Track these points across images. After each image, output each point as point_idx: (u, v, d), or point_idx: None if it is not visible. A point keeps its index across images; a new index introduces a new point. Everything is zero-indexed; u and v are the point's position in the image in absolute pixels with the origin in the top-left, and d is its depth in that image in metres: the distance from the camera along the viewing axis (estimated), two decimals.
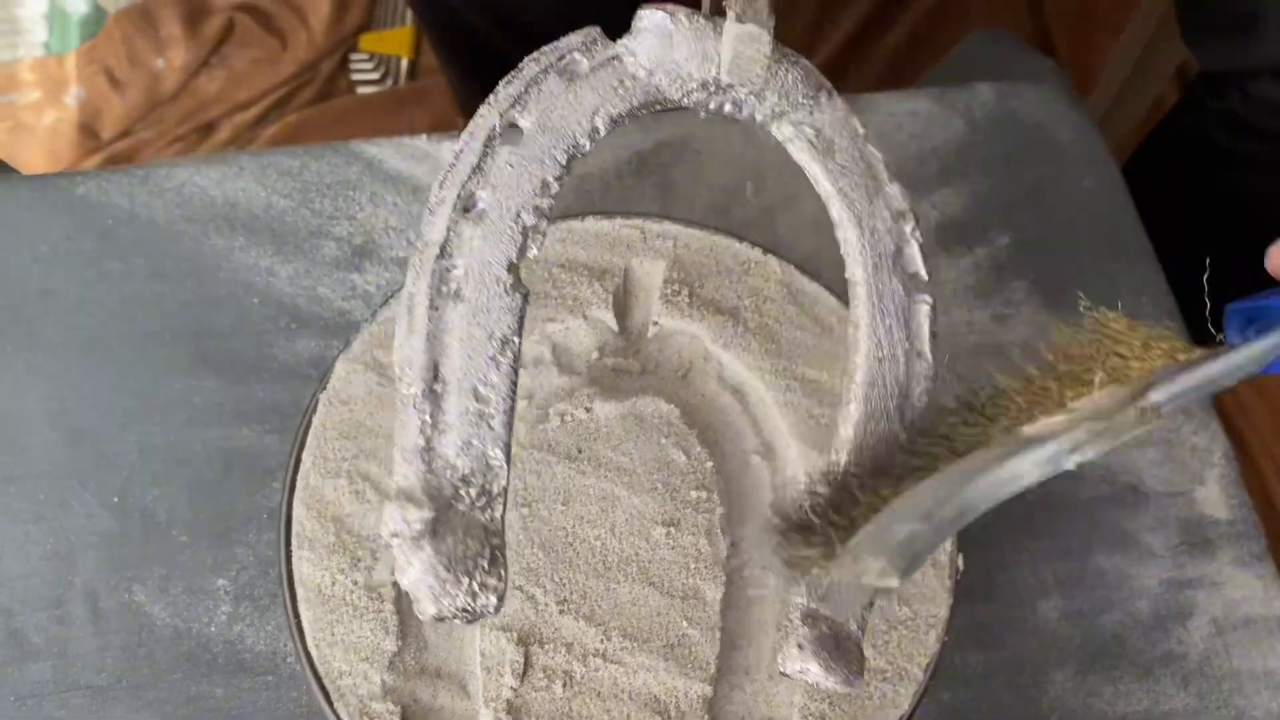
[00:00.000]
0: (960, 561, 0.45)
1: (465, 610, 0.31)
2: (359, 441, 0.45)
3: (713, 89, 0.38)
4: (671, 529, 0.44)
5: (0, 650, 0.48)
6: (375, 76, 1.22)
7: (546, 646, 0.42)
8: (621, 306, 0.49)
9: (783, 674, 0.34)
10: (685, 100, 0.38)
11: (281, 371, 0.54)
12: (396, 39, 1.22)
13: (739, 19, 0.37)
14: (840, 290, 0.51)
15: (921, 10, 1.30)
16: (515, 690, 0.41)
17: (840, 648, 0.34)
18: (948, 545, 0.45)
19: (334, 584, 0.43)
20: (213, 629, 0.49)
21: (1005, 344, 0.57)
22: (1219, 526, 0.54)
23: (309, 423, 0.46)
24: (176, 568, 0.50)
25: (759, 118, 0.39)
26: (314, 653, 0.42)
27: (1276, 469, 1.11)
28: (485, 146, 0.35)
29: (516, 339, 0.34)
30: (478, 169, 0.35)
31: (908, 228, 0.40)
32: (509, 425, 0.33)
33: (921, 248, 0.40)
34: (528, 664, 0.42)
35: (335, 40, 1.20)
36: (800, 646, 0.34)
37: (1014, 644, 0.51)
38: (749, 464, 0.47)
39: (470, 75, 0.83)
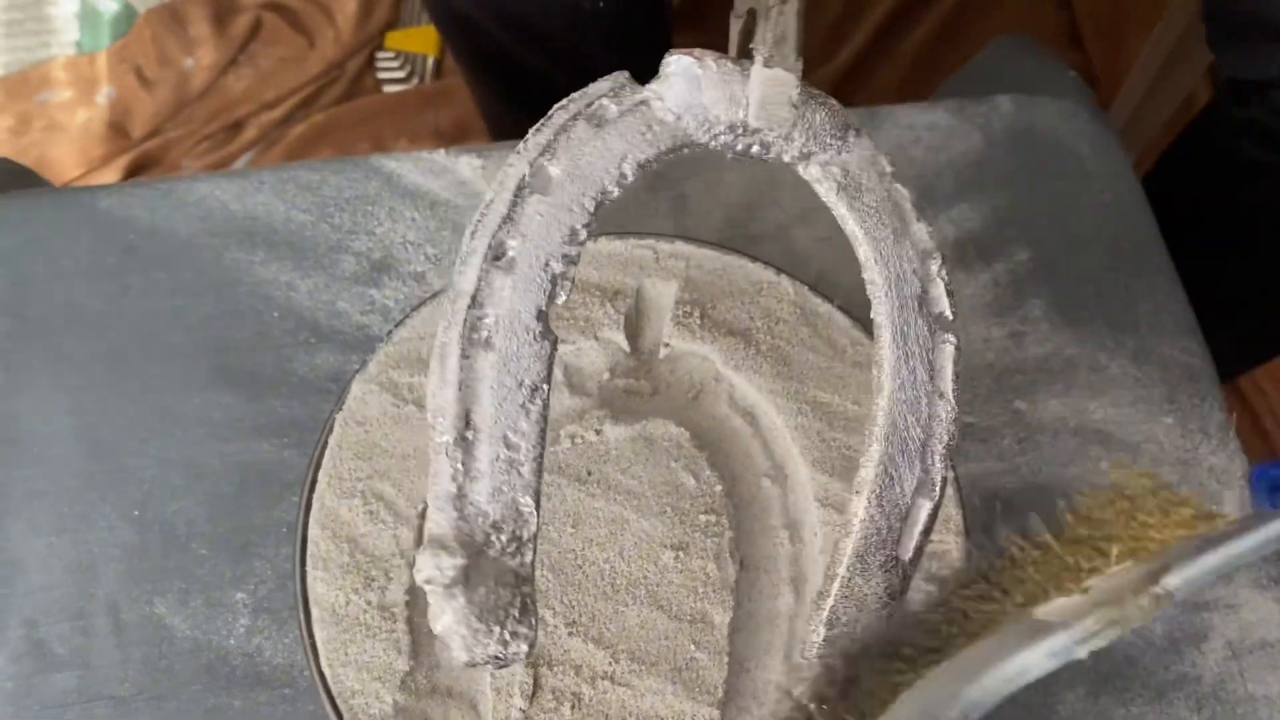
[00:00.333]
0: None
1: (497, 657, 0.31)
2: (374, 462, 0.46)
3: (740, 131, 0.38)
4: (680, 553, 0.44)
5: (26, 661, 0.49)
6: (401, 75, 1.22)
7: (555, 668, 0.43)
8: (633, 328, 0.49)
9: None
10: (713, 144, 0.38)
11: (300, 386, 0.55)
12: (423, 37, 1.23)
13: (766, 63, 0.38)
14: (854, 310, 0.51)
15: (949, 6, 1.29)
16: (524, 712, 0.42)
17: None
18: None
19: (348, 604, 0.43)
20: (231, 642, 0.50)
21: (1022, 361, 0.56)
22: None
23: (325, 443, 0.46)
24: (196, 581, 0.51)
25: (786, 159, 0.39)
26: (327, 672, 0.43)
27: None
28: (515, 196, 0.36)
29: (546, 386, 0.35)
30: (508, 219, 0.35)
31: (934, 267, 0.40)
32: (538, 472, 0.34)
33: (948, 287, 0.40)
34: (537, 685, 0.42)
35: (362, 39, 1.21)
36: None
37: None
38: (759, 487, 0.47)
39: (487, 79, 0.84)
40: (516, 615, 0.31)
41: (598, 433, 0.46)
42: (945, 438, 0.38)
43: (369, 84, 1.21)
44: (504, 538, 0.32)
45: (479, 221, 0.35)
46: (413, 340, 0.48)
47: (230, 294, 0.57)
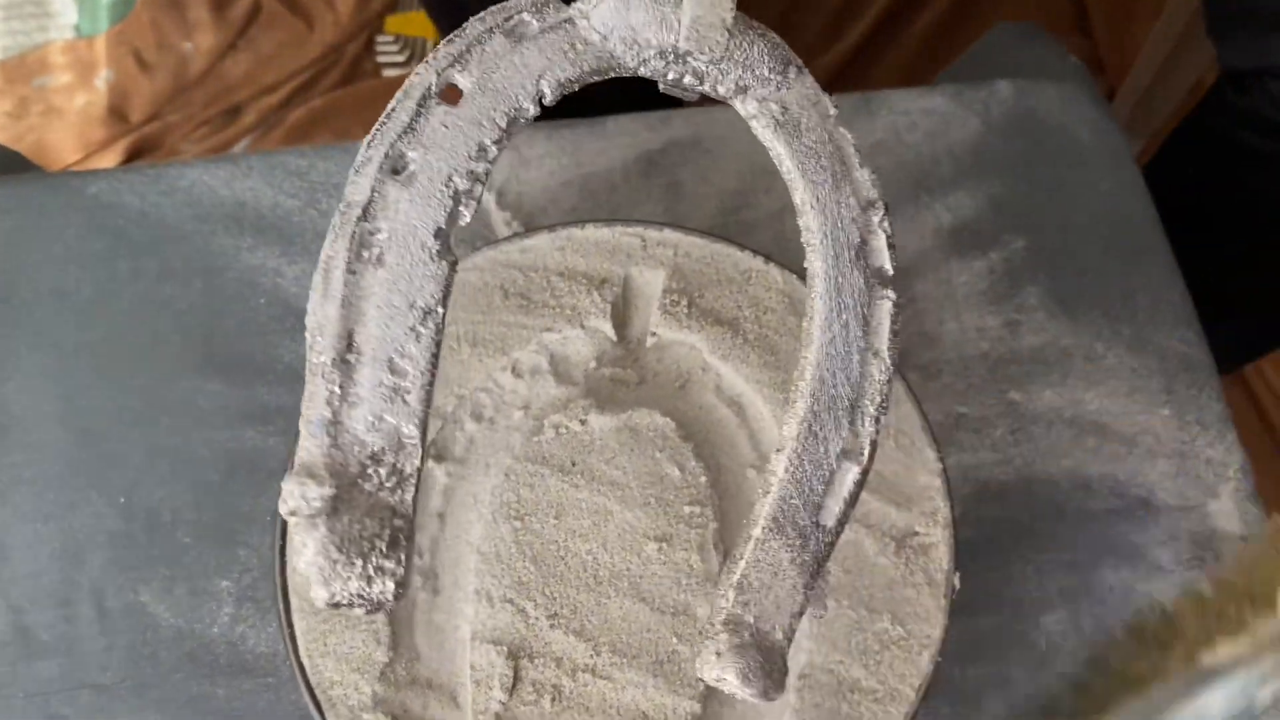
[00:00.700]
0: (956, 580, 0.44)
1: (360, 597, 0.29)
2: None
3: (670, 58, 0.36)
4: (664, 544, 0.44)
5: (10, 647, 0.49)
6: (401, 59, 1.22)
7: (536, 661, 0.42)
8: (620, 316, 0.48)
9: (699, 679, 0.33)
10: (642, 69, 0.36)
11: (286, 373, 0.54)
12: (422, 21, 1.22)
13: None
14: None
15: None
16: (504, 704, 0.42)
17: (764, 657, 0.32)
18: (944, 562, 0.45)
19: None
20: (215, 630, 0.50)
21: (1018, 350, 0.56)
22: (1231, 542, 0.53)
23: None
24: (181, 569, 0.51)
25: (721, 91, 0.37)
26: (306, 663, 0.42)
27: None
28: (419, 105, 0.34)
29: (441, 309, 0.33)
30: (410, 128, 0.33)
31: (875, 218, 0.37)
32: (426, 401, 0.32)
33: (889, 240, 0.37)
34: (517, 678, 0.42)
35: (360, 22, 1.20)
36: (718, 654, 0.32)
37: (1015, 657, 0.51)
38: (745, 477, 0.46)
39: None
40: (383, 549, 0.30)
41: (582, 422, 0.46)
42: (878, 399, 0.35)
43: (368, 68, 1.20)
44: (383, 470, 0.31)
45: (377, 130, 0.33)
46: None
47: (218, 280, 0.56)
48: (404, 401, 0.31)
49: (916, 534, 0.45)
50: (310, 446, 0.30)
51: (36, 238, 0.57)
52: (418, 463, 0.31)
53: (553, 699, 0.42)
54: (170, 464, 0.53)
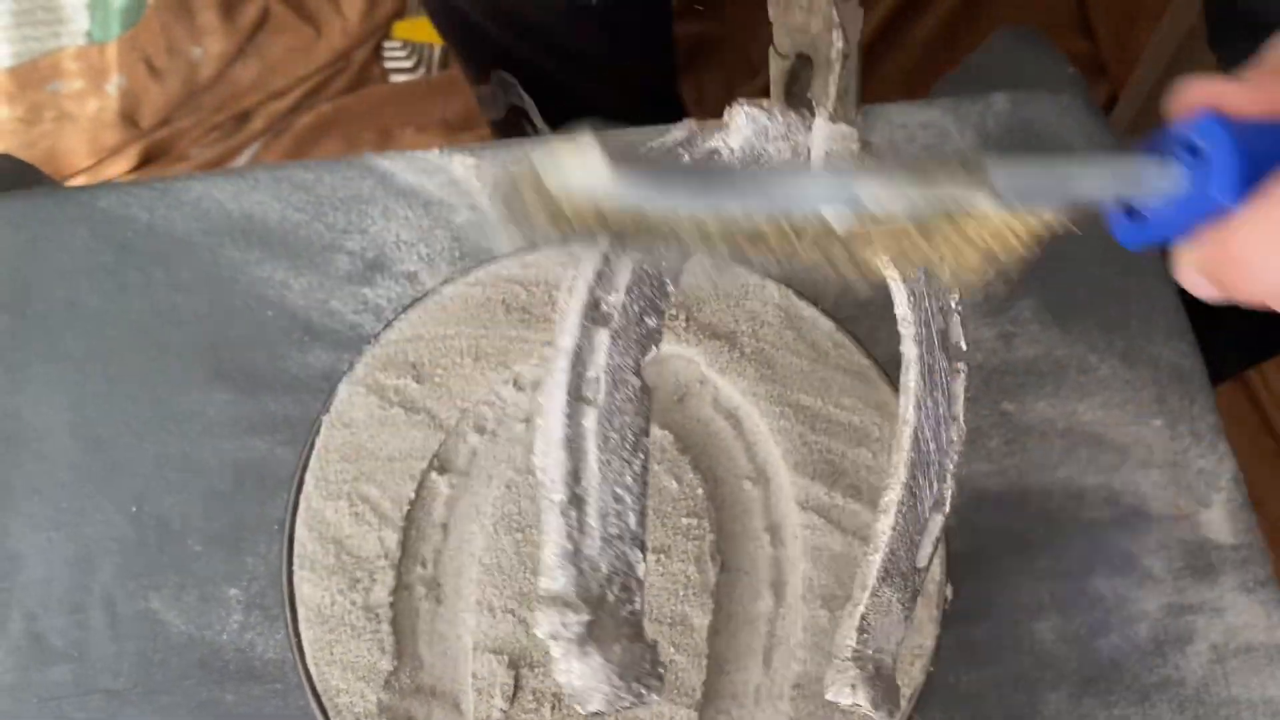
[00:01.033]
0: (949, 591, 0.45)
1: (631, 704, 0.33)
2: (360, 464, 0.46)
3: None
4: (661, 556, 0.45)
5: (24, 653, 0.50)
6: (409, 64, 1.23)
7: (537, 670, 0.43)
8: None
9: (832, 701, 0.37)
10: None
11: (293, 384, 0.55)
12: (429, 26, 1.23)
13: (831, 118, 0.39)
14: (837, 314, 0.51)
15: None
16: (505, 712, 0.43)
17: (882, 683, 0.37)
18: (936, 574, 0.45)
19: (333, 604, 0.44)
20: (224, 637, 0.51)
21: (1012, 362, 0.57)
22: (1223, 551, 0.53)
23: (312, 444, 0.47)
24: (190, 576, 0.52)
25: None
26: (313, 670, 0.43)
27: None
28: (608, 252, 0.36)
29: (646, 439, 0.36)
30: (603, 274, 0.36)
31: (953, 300, 0.42)
32: (644, 523, 0.35)
33: (961, 317, 0.42)
34: (518, 686, 0.43)
35: (369, 28, 1.21)
36: (853, 686, 0.36)
37: (1008, 664, 0.51)
38: (741, 490, 0.47)
39: (486, 75, 0.84)
40: (649, 671, 0.33)
41: None
42: (955, 457, 0.40)
43: (376, 74, 1.21)
44: (616, 588, 0.34)
45: (574, 278, 0.36)
46: (400, 342, 0.49)
47: (226, 292, 0.57)
48: (627, 526, 0.34)
49: None
50: (558, 576, 0.33)
51: (47, 250, 0.58)
52: (642, 577, 0.34)
53: (553, 707, 0.43)
54: (180, 473, 0.54)
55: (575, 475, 0.34)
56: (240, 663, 0.51)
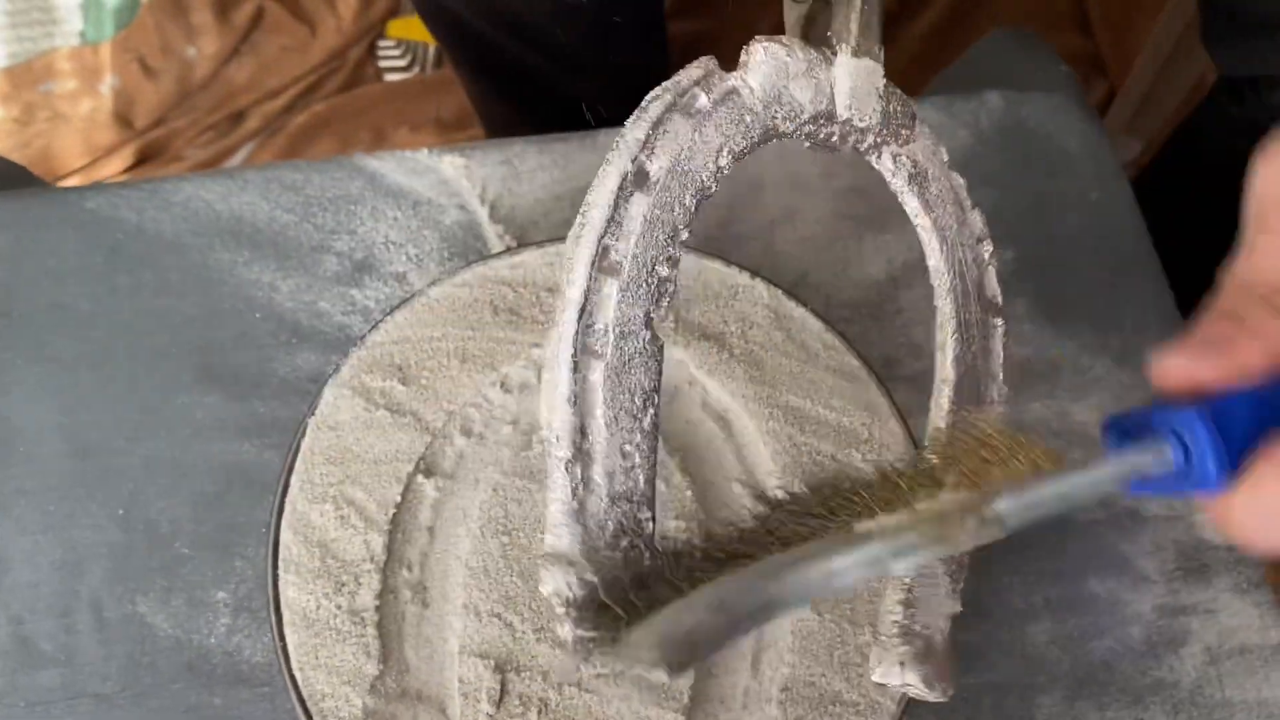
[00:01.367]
0: None
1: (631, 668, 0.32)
2: (345, 467, 0.46)
3: (823, 121, 0.37)
4: None
5: (11, 657, 0.50)
6: (403, 63, 1.22)
7: (523, 674, 0.43)
8: None
9: (879, 684, 0.36)
10: (797, 133, 0.37)
11: (282, 387, 0.55)
12: (424, 25, 1.22)
13: (855, 53, 0.37)
14: (827, 314, 0.51)
15: None
16: (491, 716, 0.42)
17: (934, 660, 0.36)
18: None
19: (318, 608, 0.44)
20: (212, 640, 0.51)
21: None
22: (1217, 552, 0.53)
23: (297, 447, 0.47)
24: (179, 579, 0.52)
25: (861, 148, 0.39)
26: (298, 675, 0.43)
27: None
28: (616, 196, 0.34)
29: (657, 395, 0.34)
30: (612, 221, 0.34)
31: (986, 253, 0.40)
32: (653, 483, 0.33)
33: (996, 271, 0.40)
34: (504, 690, 0.43)
35: (363, 27, 1.21)
36: (903, 664, 0.35)
37: (1002, 667, 0.51)
38: (731, 491, 0.47)
39: (475, 73, 0.84)
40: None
41: None
42: (995, 419, 0.39)
43: (371, 73, 1.21)
44: (624, 545, 0.32)
45: (582, 226, 0.34)
46: (386, 344, 0.48)
47: (214, 294, 0.57)
48: (635, 484, 0.33)
49: None
50: (562, 534, 0.32)
51: (35, 252, 0.58)
52: (651, 532, 0.33)
53: (539, 712, 0.43)
54: (168, 476, 0.53)
55: (582, 431, 0.32)
56: (228, 666, 0.50)
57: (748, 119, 0.35)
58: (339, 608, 0.44)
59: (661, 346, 0.34)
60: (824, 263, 0.58)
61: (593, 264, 0.33)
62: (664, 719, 0.43)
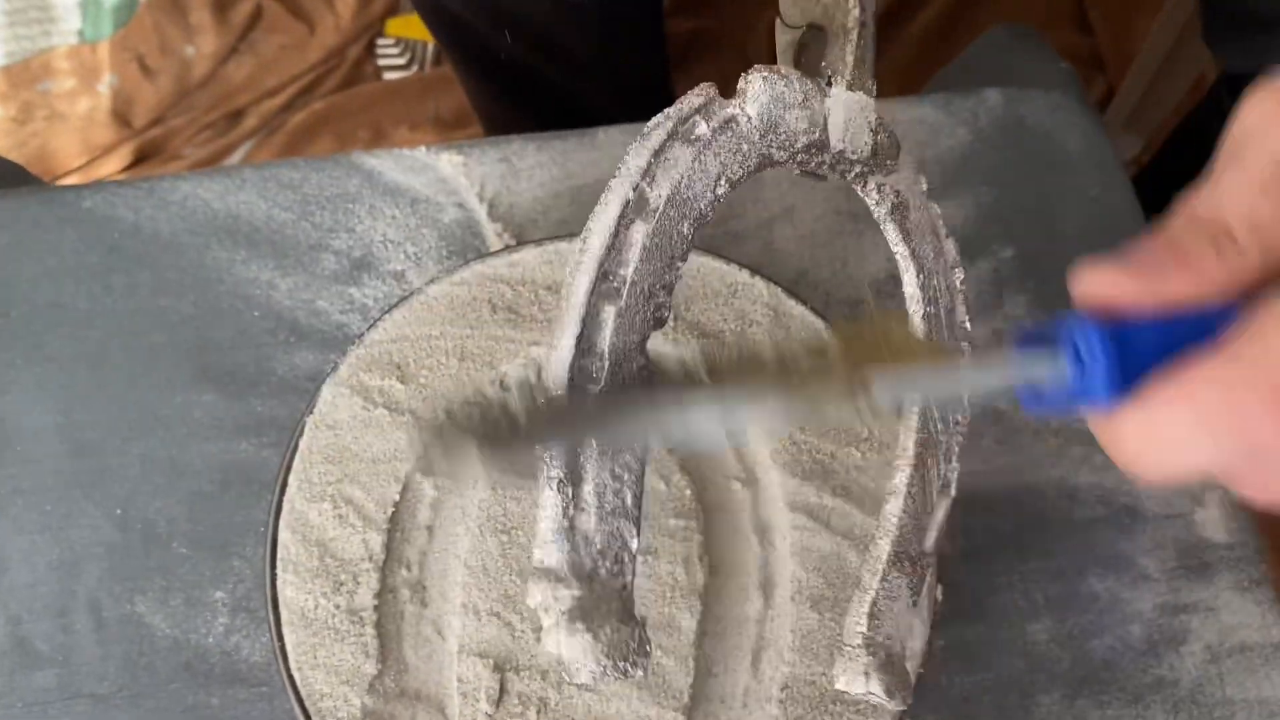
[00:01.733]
0: (939, 593, 0.45)
1: (616, 680, 0.33)
2: (343, 466, 0.46)
3: (815, 150, 0.38)
4: (648, 557, 0.44)
5: (8, 658, 0.50)
6: (401, 62, 1.22)
7: (522, 673, 0.43)
8: None
9: (843, 692, 0.37)
10: (789, 162, 0.38)
11: (280, 385, 0.55)
12: (422, 24, 1.22)
13: (850, 86, 0.38)
14: (828, 313, 0.50)
15: None
16: (490, 716, 0.42)
17: (894, 670, 0.37)
18: (927, 576, 0.45)
19: (317, 607, 0.44)
20: (210, 640, 0.51)
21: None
22: (1217, 550, 0.53)
23: (295, 446, 0.46)
24: (176, 579, 0.51)
25: (849, 177, 0.40)
26: (296, 675, 0.43)
27: None
28: (617, 224, 0.34)
29: None
30: (612, 248, 0.34)
31: (958, 279, 0.42)
32: (640, 501, 0.34)
33: (965, 298, 0.42)
34: (503, 690, 0.43)
35: (361, 25, 1.21)
36: (867, 673, 0.36)
37: (1002, 666, 0.51)
38: (730, 490, 0.47)
39: (474, 73, 0.84)
40: (635, 649, 0.33)
41: None
42: (959, 439, 0.40)
43: (369, 71, 1.21)
44: (609, 561, 0.33)
45: (581, 253, 0.34)
46: (384, 343, 0.48)
47: (212, 293, 0.57)
48: (623, 503, 0.34)
49: None
50: (553, 551, 0.33)
51: (32, 251, 0.58)
52: (634, 551, 0.34)
53: (538, 711, 0.42)
54: (166, 476, 0.53)
55: (574, 452, 0.33)
56: (226, 666, 0.50)
57: (744, 148, 0.36)
58: (337, 607, 0.44)
59: (655, 373, 0.35)
60: (823, 260, 0.58)
61: (592, 290, 0.34)
62: (664, 718, 0.42)
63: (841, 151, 0.38)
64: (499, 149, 0.60)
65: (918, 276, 0.40)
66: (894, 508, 0.38)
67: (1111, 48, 1.23)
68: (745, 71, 0.37)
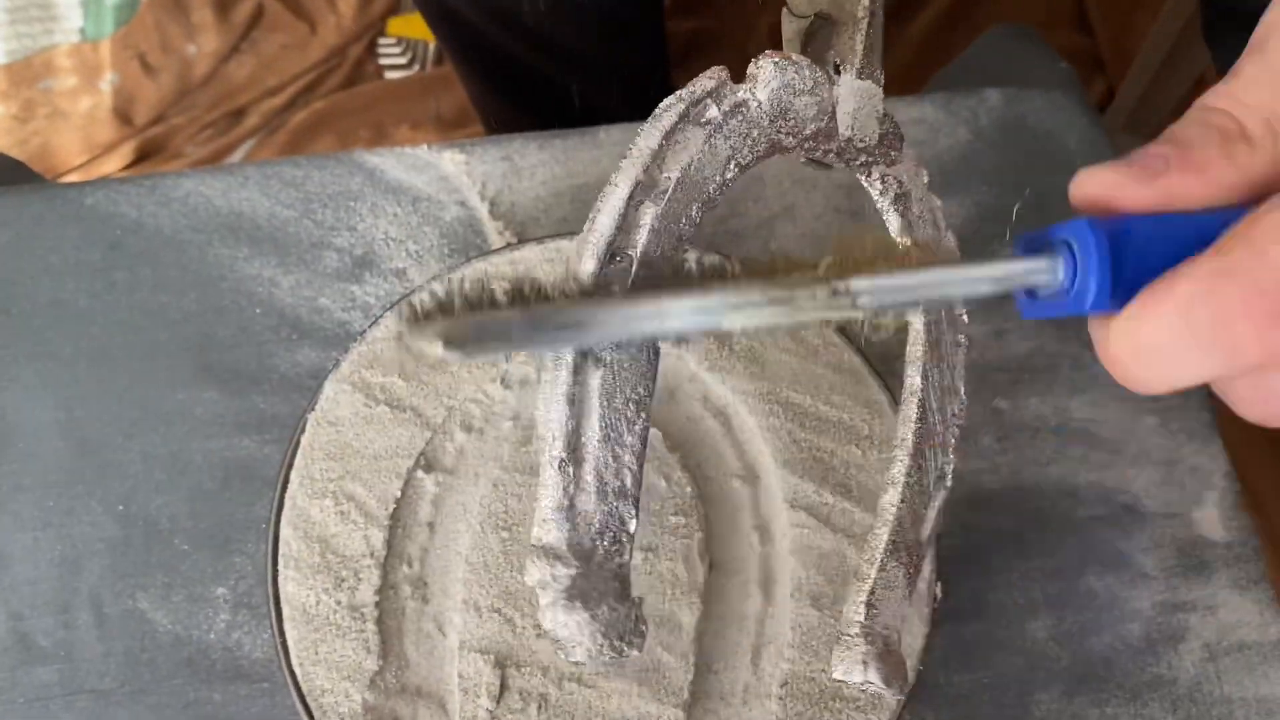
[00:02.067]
0: (938, 590, 0.45)
1: (612, 659, 0.33)
2: (345, 462, 0.46)
3: (823, 138, 0.38)
4: (649, 554, 0.44)
5: (10, 653, 0.50)
6: (403, 61, 1.22)
7: (523, 669, 0.43)
8: None
9: (839, 681, 0.37)
10: (797, 149, 0.38)
11: (282, 383, 0.55)
12: (424, 23, 1.22)
13: (859, 75, 0.38)
14: None
15: None
16: (491, 712, 0.42)
17: (891, 659, 0.37)
18: (926, 572, 0.45)
19: (318, 603, 0.44)
20: (212, 636, 0.51)
21: (1005, 359, 0.56)
22: (1216, 549, 0.53)
23: (297, 442, 0.47)
24: (178, 575, 0.52)
25: (854, 165, 0.40)
26: (298, 671, 0.43)
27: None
28: (626, 205, 0.34)
29: (649, 399, 0.35)
30: (621, 230, 0.34)
31: None
32: (639, 481, 0.34)
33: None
34: (504, 686, 0.43)
35: (363, 24, 1.21)
36: (865, 663, 0.36)
37: (1000, 664, 0.51)
38: (730, 488, 0.47)
39: (474, 71, 0.84)
40: (631, 629, 0.33)
41: None
42: (957, 431, 0.40)
43: (371, 70, 1.21)
44: (607, 541, 0.34)
45: (589, 232, 0.34)
46: (386, 340, 0.48)
47: (214, 290, 0.57)
48: (622, 483, 0.34)
49: None
50: (553, 529, 0.33)
51: (34, 248, 0.58)
52: (633, 531, 0.34)
53: (539, 707, 0.43)
54: (167, 472, 0.53)
55: (576, 432, 0.33)
56: (228, 662, 0.50)
57: (754, 133, 0.36)
58: (339, 603, 0.44)
59: (657, 352, 0.35)
60: (823, 257, 0.58)
61: (599, 270, 0.34)
62: (664, 715, 0.43)
63: (849, 139, 0.38)
64: (500, 147, 0.60)
65: None
66: (892, 498, 0.38)
67: (1111, 48, 1.23)
68: (756, 57, 0.36)
